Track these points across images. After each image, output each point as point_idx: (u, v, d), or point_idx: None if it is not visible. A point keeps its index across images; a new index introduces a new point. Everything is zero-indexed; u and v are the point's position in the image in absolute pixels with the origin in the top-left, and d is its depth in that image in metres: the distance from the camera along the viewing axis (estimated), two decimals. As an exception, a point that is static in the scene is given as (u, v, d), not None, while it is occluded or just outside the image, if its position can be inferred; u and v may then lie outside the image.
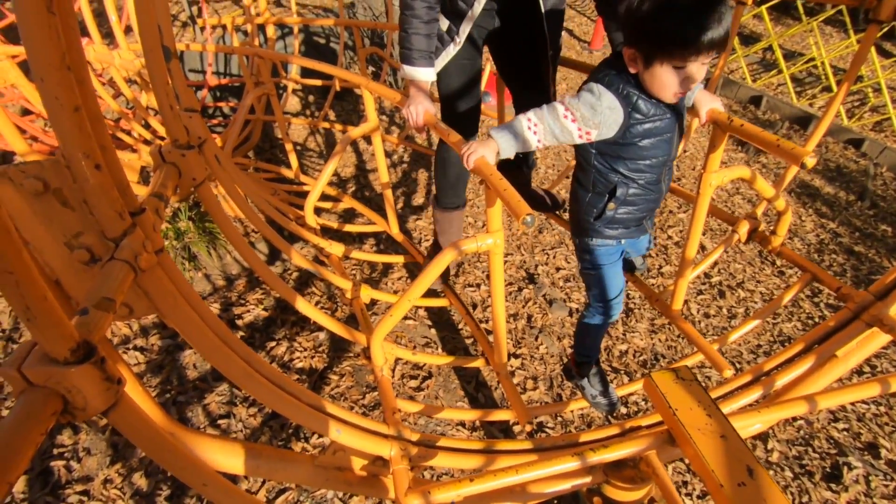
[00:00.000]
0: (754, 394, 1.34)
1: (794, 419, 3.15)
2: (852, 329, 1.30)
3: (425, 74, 1.65)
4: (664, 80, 1.16)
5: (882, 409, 3.31)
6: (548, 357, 3.37)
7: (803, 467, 2.86)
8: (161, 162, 0.90)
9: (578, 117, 1.21)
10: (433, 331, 3.43)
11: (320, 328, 3.36)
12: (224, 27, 4.51)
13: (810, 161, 0.96)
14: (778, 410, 1.07)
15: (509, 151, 1.23)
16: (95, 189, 0.63)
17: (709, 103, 1.32)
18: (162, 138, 3.57)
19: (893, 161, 6.35)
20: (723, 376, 1.35)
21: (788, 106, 7.20)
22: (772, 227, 1.52)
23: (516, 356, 3.31)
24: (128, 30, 3.71)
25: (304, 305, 1.32)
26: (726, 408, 1.31)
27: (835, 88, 7.11)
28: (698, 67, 1.13)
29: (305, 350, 3.14)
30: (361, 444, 1.07)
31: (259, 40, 4.29)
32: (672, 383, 1.08)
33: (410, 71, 1.65)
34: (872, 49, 7.28)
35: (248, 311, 3.37)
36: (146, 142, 3.04)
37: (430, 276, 1.12)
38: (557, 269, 4.21)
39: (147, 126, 3.24)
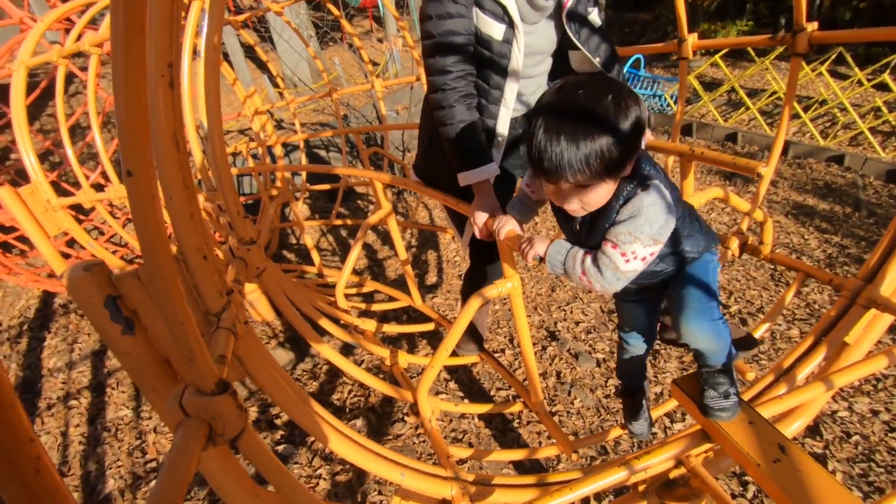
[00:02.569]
0: (780, 391, 1.42)
1: (849, 435, 3.07)
2: (852, 314, 1.41)
3: (487, 171, 1.56)
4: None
5: (936, 410, 3.22)
6: (584, 410, 3.36)
7: (871, 484, 2.75)
8: (231, 258, 1.10)
9: None
10: (466, 400, 3.47)
11: (356, 416, 3.41)
12: (236, 153, 5.02)
13: (763, 170, 1.15)
14: (798, 395, 1.16)
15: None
16: (204, 275, 0.82)
17: None
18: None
19: (878, 170, 6.58)
20: (746, 380, 1.43)
21: (763, 137, 7.59)
22: (759, 239, 1.68)
23: (553, 413, 3.31)
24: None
25: (352, 368, 1.45)
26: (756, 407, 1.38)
27: (801, 114, 7.54)
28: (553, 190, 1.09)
29: (346, 439, 3.18)
30: (424, 486, 1.16)
31: (268, 159, 4.76)
32: (696, 384, 1.19)
33: (474, 175, 1.55)
34: (827, 75, 7.80)
35: (285, 410, 3.44)
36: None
37: (463, 322, 1.27)
38: (577, 324, 4.29)
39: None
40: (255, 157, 5.23)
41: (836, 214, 5.95)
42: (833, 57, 8.35)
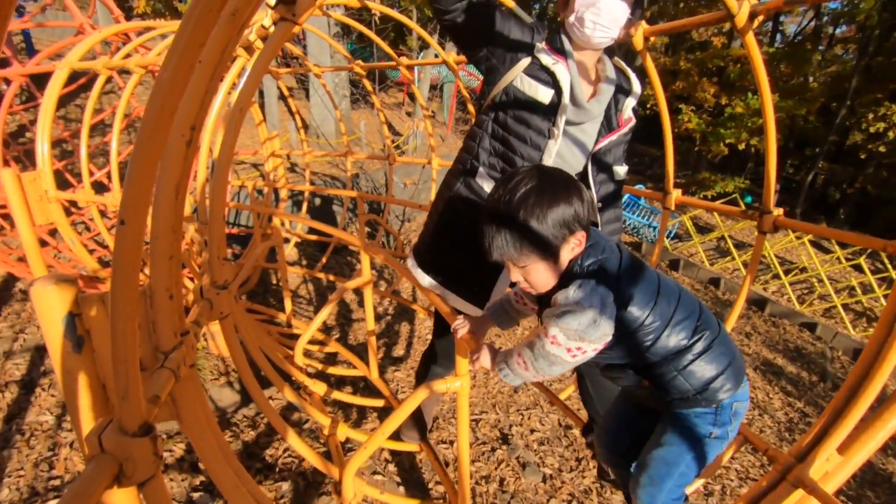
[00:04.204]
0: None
1: None
2: (781, 490, 1.43)
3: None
4: None
5: None
6: (519, 527, 3.21)
7: None
8: (200, 297, 1.13)
9: None
10: (402, 488, 3.31)
11: (284, 478, 3.23)
12: (242, 187, 5.15)
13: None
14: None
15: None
16: (165, 313, 0.86)
17: None
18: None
19: (846, 345, 6.78)
20: None
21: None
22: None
23: (487, 523, 3.16)
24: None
25: (286, 430, 1.42)
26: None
27: (782, 276, 7.90)
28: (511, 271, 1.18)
29: (266, 501, 3.00)
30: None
31: (272, 198, 4.89)
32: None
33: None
34: (809, 245, 8.27)
35: (213, 455, 3.26)
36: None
37: (403, 412, 1.28)
38: (532, 431, 4.20)
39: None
40: (259, 192, 5.36)
41: (802, 380, 6.05)
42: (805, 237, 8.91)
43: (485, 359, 1.24)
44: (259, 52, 1.38)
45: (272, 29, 1.26)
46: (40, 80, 5.03)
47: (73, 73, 2.83)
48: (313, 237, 4.55)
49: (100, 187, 5.71)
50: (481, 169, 1.63)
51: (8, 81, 4.52)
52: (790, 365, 6.36)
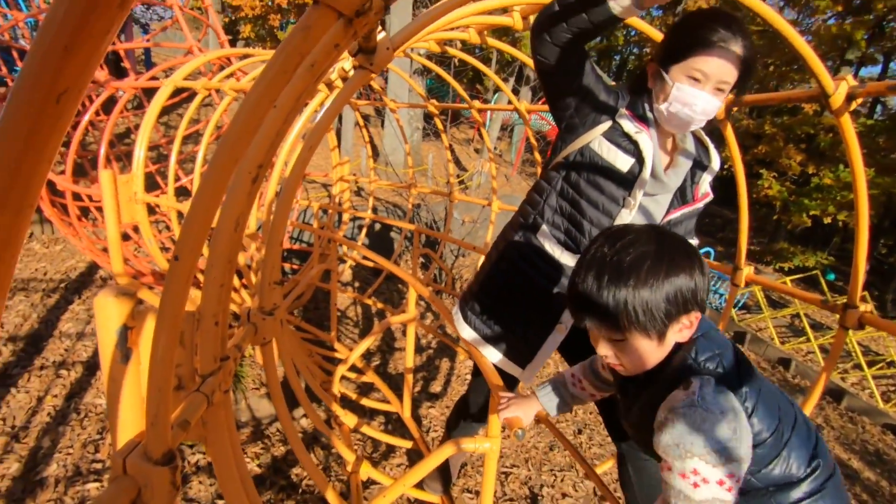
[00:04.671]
0: None
1: None
2: None
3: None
4: None
5: None
6: None
7: None
8: (246, 321, 1.17)
9: None
10: (419, 534, 3.20)
11: (305, 501, 3.22)
12: (308, 207, 5.40)
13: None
14: None
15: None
16: (208, 338, 0.88)
17: None
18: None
19: (938, 458, 5.96)
20: None
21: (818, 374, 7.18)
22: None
23: (503, 589, 2.97)
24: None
25: (310, 466, 1.42)
26: None
27: (865, 368, 7.13)
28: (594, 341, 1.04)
29: (285, 521, 2.99)
30: None
31: (335, 220, 5.09)
32: None
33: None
34: (900, 338, 7.43)
35: (242, 465, 3.31)
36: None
37: (428, 465, 1.23)
38: (564, 496, 3.96)
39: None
40: (324, 212, 5.61)
41: (881, 490, 5.36)
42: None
43: None
44: (336, 93, 1.45)
45: (351, 72, 1.32)
46: (151, 89, 5.60)
47: (177, 88, 3.12)
48: (369, 263, 4.66)
49: (183, 191, 6.18)
50: (544, 227, 1.60)
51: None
52: (867, 470, 5.65)
